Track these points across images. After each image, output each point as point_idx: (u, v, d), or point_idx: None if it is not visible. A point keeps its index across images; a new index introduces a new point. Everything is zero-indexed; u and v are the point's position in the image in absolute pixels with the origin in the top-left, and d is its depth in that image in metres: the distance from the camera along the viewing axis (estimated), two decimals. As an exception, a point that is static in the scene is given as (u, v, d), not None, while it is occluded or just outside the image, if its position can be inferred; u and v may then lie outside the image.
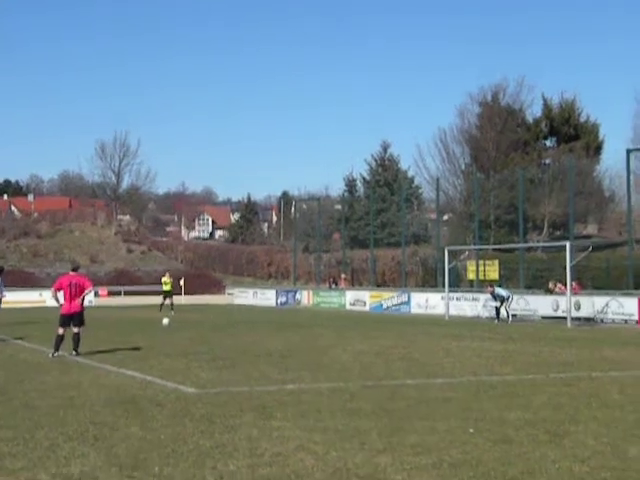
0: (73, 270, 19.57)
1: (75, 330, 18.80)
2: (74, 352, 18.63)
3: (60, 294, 19.00)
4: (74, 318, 18.85)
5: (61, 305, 19.01)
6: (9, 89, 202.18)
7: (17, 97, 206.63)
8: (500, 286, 36.62)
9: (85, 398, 12.34)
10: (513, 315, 35.43)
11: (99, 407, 11.52)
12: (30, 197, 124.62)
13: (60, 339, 18.57)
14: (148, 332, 27.11)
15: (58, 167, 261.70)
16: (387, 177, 74.31)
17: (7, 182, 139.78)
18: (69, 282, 18.84)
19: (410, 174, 73.40)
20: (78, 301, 18.81)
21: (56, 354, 18.47)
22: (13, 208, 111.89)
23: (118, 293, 58.79)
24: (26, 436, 9.46)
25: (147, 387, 13.58)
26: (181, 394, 12.77)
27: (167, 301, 41.48)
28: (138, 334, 26.11)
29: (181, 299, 53.13)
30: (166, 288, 41.99)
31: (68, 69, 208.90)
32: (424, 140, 67.77)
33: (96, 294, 55.22)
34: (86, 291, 18.96)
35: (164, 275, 43.57)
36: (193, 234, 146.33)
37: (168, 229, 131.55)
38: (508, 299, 34.31)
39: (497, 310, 34.39)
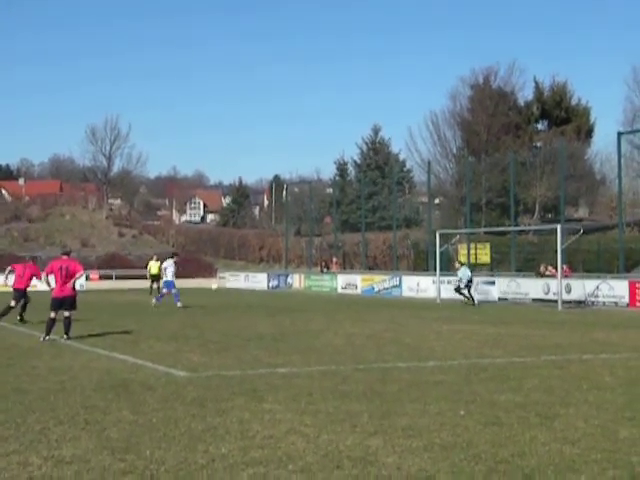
0: (64, 254, 19.51)
1: (66, 314, 18.75)
2: (65, 336, 18.59)
3: (51, 278, 18.98)
4: (65, 302, 18.78)
5: (52, 289, 18.98)
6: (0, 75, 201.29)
7: (7, 81, 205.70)
8: (463, 265, 35.64)
9: (76, 382, 12.33)
10: (504, 299, 35.53)
11: (90, 391, 11.51)
12: (21, 181, 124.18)
13: (52, 323, 18.54)
14: (139, 316, 27.09)
15: (49, 151, 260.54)
16: (378, 160, 74.28)
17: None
18: (60, 266, 18.76)
19: (401, 157, 73.51)
20: (69, 285, 18.74)
21: (47, 338, 18.44)
22: (4, 192, 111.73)
23: (109, 277, 58.70)
24: (17, 420, 9.46)
25: (138, 371, 13.58)
26: (172, 378, 12.77)
27: (155, 285, 41.46)
28: (129, 318, 26.09)
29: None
30: (153, 272, 41.92)
31: (59, 54, 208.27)
32: (415, 123, 68.33)
33: (87, 278, 55.15)
34: (77, 275, 18.90)
35: (152, 259, 43.41)
36: (184, 218, 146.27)
37: (159, 213, 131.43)
38: (469, 283, 33.83)
39: (459, 290, 34.04)
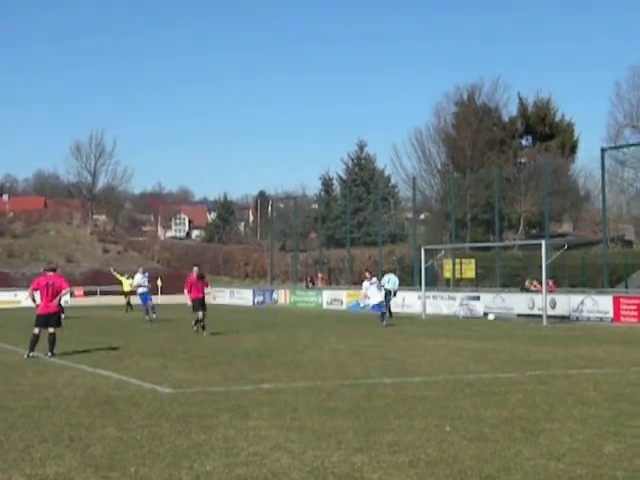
0: (50, 270, 19.32)
1: (51, 330, 18.62)
2: (49, 353, 18.45)
3: (37, 294, 18.85)
4: (50, 319, 18.66)
5: (37, 305, 18.86)
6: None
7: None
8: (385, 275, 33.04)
9: (61, 399, 12.26)
10: (486, 314, 35.54)
11: (75, 408, 11.45)
12: (5, 197, 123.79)
13: (35, 339, 18.42)
14: (124, 332, 26.99)
15: (33, 167, 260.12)
16: (363, 176, 74.43)
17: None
18: (46, 282, 18.64)
19: (386, 173, 73.73)
20: (55, 302, 18.65)
21: (31, 354, 18.33)
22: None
23: (94, 293, 58.51)
24: (1, 438, 9.39)
25: (123, 387, 13.52)
26: (157, 394, 12.72)
27: (128, 299, 41.63)
28: (114, 334, 25.98)
29: (158, 299, 52.90)
30: (126, 289, 42.07)
31: (44, 69, 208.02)
32: (400, 139, 68.60)
33: (72, 294, 54.85)
34: (63, 292, 18.81)
35: (123, 276, 43.57)
36: (170, 234, 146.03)
37: (144, 229, 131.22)
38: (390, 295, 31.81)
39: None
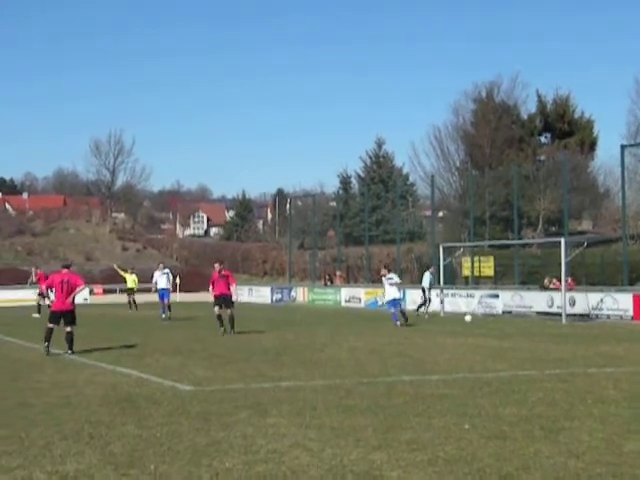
0: (65, 267, 19.38)
1: (68, 329, 18.66)
2: (69, 351, 18.52)
3: (52, 291, 18.92)
4: (65, 317, 18.68)
5: (52, 302, 18.93)
6: (3, 87, 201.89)
7: (11, 95, 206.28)
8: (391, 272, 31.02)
9: (81, 397, 12.34)
10: (508, 312, 35.47)
11: (95, 405, 11.52)
12: (25, 195, 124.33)
13: (50, 331, 18.50)
14: (143, 330, 27.09)
15: (52, 165, 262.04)
16: (382, 174, 74.31)
17: (1, 180, 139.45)
18: (60, 279, 18.66)
19: (405, 171, 73.54)
20: (70, 299, 18.66)
21: (46, 348, 18.36)
22: (7, 206, 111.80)
23: (113, 291, 58.71)
24: (22, 435, 9.46)
25: (143, 385, 13.58)
26: (177, 392, 12.77)
27: (131, 298, 41.67)
28: (133, 332, 26.08)
29: (177, 297, 53.08)
30: (130, 285, 42.11)
31: (63, 67, 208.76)
32: (418, 137, 68.31)
33: (91, 292, 55.23)
34: (78, 289, 18.81)
35: (127, 272, 43.56)
36: (188, 232, 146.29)
37: (163, 227, 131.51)
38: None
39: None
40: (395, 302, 28.89)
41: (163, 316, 31.80)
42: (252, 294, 56.68)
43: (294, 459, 8.13)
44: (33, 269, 41.70)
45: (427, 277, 35.04)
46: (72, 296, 18.70)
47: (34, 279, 39.39)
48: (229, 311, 24.89)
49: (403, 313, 28.97)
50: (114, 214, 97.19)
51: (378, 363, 16.74)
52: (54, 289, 18.79)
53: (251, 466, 7.87)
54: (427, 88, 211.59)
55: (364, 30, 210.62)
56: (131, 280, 42.16)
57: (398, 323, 28.09)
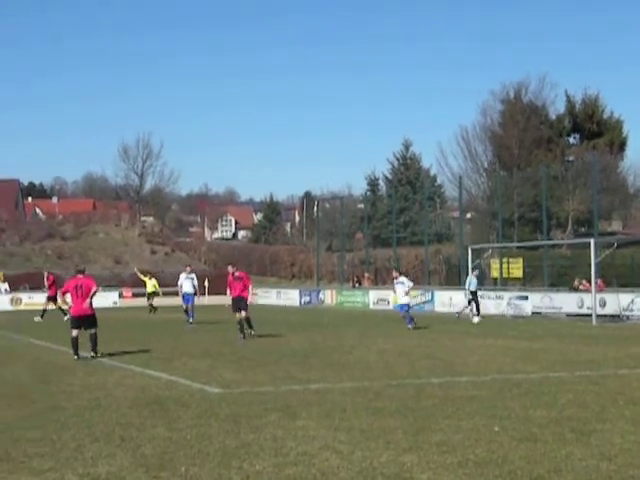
0: (79, 272, 19.32)
1: (92, 331, 18.67)
2: (92, 353, 18.56)
3: (68, 297, 18.94)
4: (85, 321, 18.69)
5: (70, 308, 18.99)
6: (33, 91, 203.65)
7: (41, 100, 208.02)
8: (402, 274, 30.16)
9: (111, 399, 12.41)
10: (537, 313, 35.28)
11: (125, 408, 11.58)
12: (54, 199, 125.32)
13: (75, 341, 18.49)
14: (172, 333, 27.20)
15: (82, 169, 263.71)
16: (409, 176, 74.22)
17: (31, 185, 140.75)
18: (75, 285, 18.66)
19: (432, 172, 73.42)
20: (87, 303, 18.60)
21: (77, 357, 18.38)
22: (38, 210, 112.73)
23: (142, 294, 58.93)
24: (53, 437, 9.53)
25: (172, 388, 13.64)
26: (206, 394, 12.81)
27: (151, 301, 41.78)
28: (162, 335, 26.20)
29: (204, 299, 53.22)
30: (149, 290, 42.21)
31: (92, 71, 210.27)
32: (446, 138, 68.13)
33: (120, 295, 55.53)
34: (92, 292, 18.68)
35: (147, 276, 43.67)
36: (216, 235, 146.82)
37: (191, 230, 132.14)
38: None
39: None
40: (402, 307, 28.48)
41: (190, 320, 31.74)
42: (280, 297, 56.73)
43: (324, 461, 8.13)
44: (45, 272, 41.72)
45: (473, 280, 34.81)
46: (88, 300, 18.65)
47: (45, 283, 39.50)
48: (243, 313, 24.16)
49: (411, 318, 28.23)
50: (143, 218, 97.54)
51: (407, 365, 16.71)
52: (70, 295, 18.75)
53: (281, 468, 7.88)
54: (455, 89, 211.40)
55: (392, 31, 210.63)
56: (151, 285, 42.32)
57: (410, 326, 27.68)
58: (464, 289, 35.39)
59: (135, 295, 58.13)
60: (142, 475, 7.73)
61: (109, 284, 59.92)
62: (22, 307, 49.55)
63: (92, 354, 18.54)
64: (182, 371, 15.96)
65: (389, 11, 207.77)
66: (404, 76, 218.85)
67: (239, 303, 24.30)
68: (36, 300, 48.37)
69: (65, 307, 19.37)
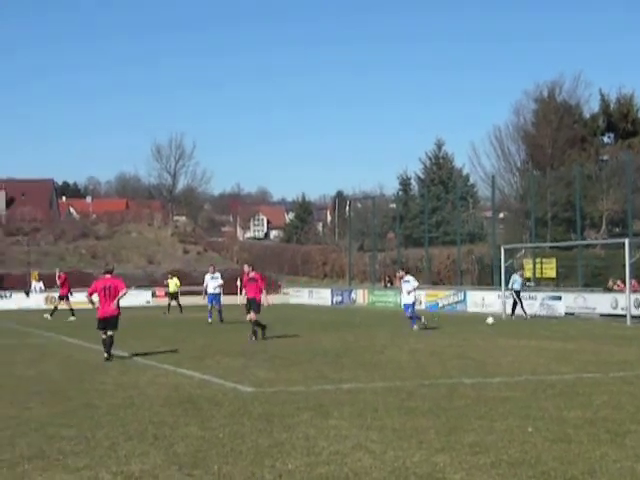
0: (107, 273, 19.00)
1: (109, 333, 18.34)
2: (106, 355, 18.12)
3: (95, 297, 18.63)
4: (109, 321, 18.42)
5: (97, 309, 18.68)
6: (66, 92, 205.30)
7: (74, 100, 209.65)
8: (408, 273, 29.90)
9: (144, 398, 12.47)
10: (571, 314, 35.04)
11: (158, 406, 11.64)
12: (88, 199, 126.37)
13: (104, 342, 18.34)
14: (204, 332, 27.29)
15: (115, 169, 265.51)
16: (442, 175, 74.08)
17: (66, 184, 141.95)
18: (103, 285, 18.44)
19: (465, 172, 73.25)
20: (113, 304, 18.38)
21: (106, 355, 18.14)
22: (72, 210, 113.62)
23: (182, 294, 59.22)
24: (87, 435, 9.60)
25: (205, 386, 13.69)
26: (239, 393, 12.85)
27: (173, 302, 41.82)
28: (194, 334, 26.29)
29: (237, 299, 53.34)
30: (171, 289, 42.32)
31: (126, 70, 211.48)
32: (479, 138, 67.86)
33: (154, 294, 55.82)
34: (120, 293, 18.47)
35: (169, 276, 43.76)
36: (248, 234, 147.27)
37: (223, 229, 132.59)
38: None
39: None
40: (407, 306, 27.91)
41: (210, 320, 31.72)
42: (312, 296, 56.79)
43: (356, 461, 8.12)
44: (57, 271, 41.79)
45: (517, 280, 34.67)
46: (116, 301, 18.43)
47: (57, 281, 39.69)
48: (252, 315, 23.56)
49: (418, 317, 27.63)
50: (175, 217, 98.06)
51: (439, 365, 16.66)
52: (97, 295, 18.54)
53: (313, 468, 7.88)
54: (487, 89, 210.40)
55: (424, 30, 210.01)
56: (173, 284, 42.47)
57: (415, 327, 27.00)
58: (508, 289, 35.24)
59: (167, 294, 58.41)
60: (175, 473, 7.77)
61: (142, 283, 60.31)
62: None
63: (105, 355, 18.12)
64: (215, 370, 16.01)
65: (420, 10, 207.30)
66: (437, 76, 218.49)
67: (251, 304, 23.81)
68: (69, 299, 48.70)
69: (92, 306, 19.07)
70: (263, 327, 23.74)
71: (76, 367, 17.01)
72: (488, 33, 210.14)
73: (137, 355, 18.94)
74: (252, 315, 23.54)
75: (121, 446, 8.99)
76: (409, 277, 28.20)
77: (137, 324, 31.37)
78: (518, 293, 34.33)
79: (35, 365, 17.62)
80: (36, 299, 52.11)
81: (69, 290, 38.10)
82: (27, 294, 52.48)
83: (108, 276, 18.80)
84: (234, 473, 7.73)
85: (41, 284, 58.46)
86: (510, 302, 35.05)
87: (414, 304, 28.06)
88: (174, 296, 42.14)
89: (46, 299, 52.63)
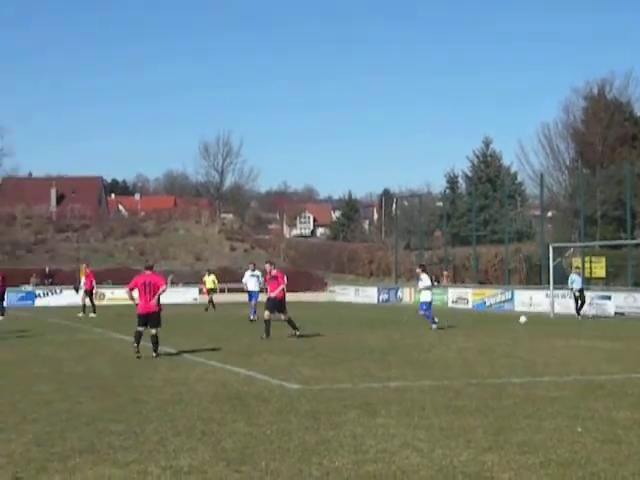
0: (148, 269, 18.94)
1: (153, 332, 18.35)
2: (154, 354, 18.22)
3: (135, 293, 18.56)
4: (150, 318, 18.39)
5: (137, 305, 18.68)
6: (116, 90, 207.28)
7: (123, 98, 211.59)
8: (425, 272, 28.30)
9: (192, 394, 12.56)
10: (621, 313, 34.65)
11: (206, 403, 11.72)
12: (136, 196, 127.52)
13: (139, 335, 18.23)
14: (249, 329, 27.38)
15: (163, 167, 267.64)
16: (489, 173, 73.57)
17: (115, 182, 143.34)
18: (143, 281, 18.37)
19: (513, 170, 72.65)
20: (154, 301, 18.31)
21: (136, 345, 18.07)
22: (120, 207, 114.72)
23: (222, 290, 59.52)
24: (136, 430, 9.70)
25: (252, 383, 13.75)
26: (285, 390, 12.89)
27: (210, 297, 41.99)
28: (240, 331, 26.41)
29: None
30: (208, 286, 42.49)
31: (174, 68, 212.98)
32: (527, 136, 67.30)
33: (201, 292, 56.11)
34: (160, 289, 18.38)
35: (206, 274, 43.90)
36: (295, 232, 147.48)
37: (270, 227, 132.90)
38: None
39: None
40: (422, 305, 27.50)
41: (251, 317, 31.76)
42: (359, 294, 56.75)
43: (404, 459, 8.11)
44: (83, 266, 41.91)
45: (576, 279, 34.41)
46: (156, 297, 18.35)
47: (82, 278, 39.94)
48: (267, 313, 23.26)
49: (432, 319, 27.06)
50: (223, 215, 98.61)
51: (487, 364, 16.56)
52: (137, 291, 18.50)
53: (361, 465, 7.89)
54: (535, 86, 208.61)
55: (472, 30, 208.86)
56: (210, 281, 42.66)
57: (434, 326, 26.60)
58: (569, 289, 34.94)
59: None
60: (223, 469, 7.82)
61: (189, 280, 60.73)
62: (105, 302, 50.44)
63: (154, 354, 18.19)
64: (261, 367, 16.07)
65: (470, 10, 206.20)
66: (485, 74, 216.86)
67: (268, 302, 23.57)
68: (117, 295, 49.28)
69: (132, 302, 18.98)
70: (294, 325, 23.70)
71: (125, 363, 17.18)
72: (537, 32, 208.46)
73: (185, 352, 19.08)
74: (266, 313, 23.31)
75: (169, 441, 9.08)
76: (423, 275, 27.84)
77: (184, 321, 31.62)
78: (580, 292, 34.06)
79: (85, 361, 17.84)
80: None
81: (93, 287, 38.51)
82: (76, 290, 52.94)
83: (148, 272, 18.72)
84: (282, 470, 7.76)
85: (91, 280, 59.05)
86: (572, 302, 34.75)
87: (430, 303, 27.63)
88: (211, 292, 42.39)
89: (95, 295, 53.23)
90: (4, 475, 7.72)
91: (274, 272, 24.08)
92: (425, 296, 27.47)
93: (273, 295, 23.59)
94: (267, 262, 25.82)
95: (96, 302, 39.47)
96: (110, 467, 7.94)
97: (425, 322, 27.22)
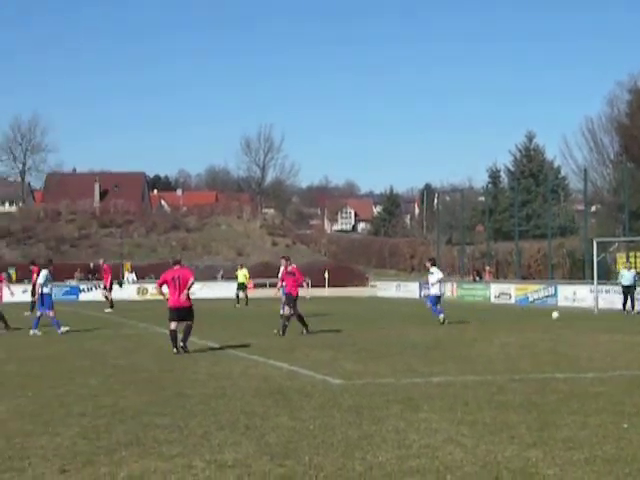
0: (176, 263, 18.92)
1: (188, 322, 18.33)
2: (182, 344, 18.07)
3: (165, 288, 18.50)
4: (181, 313, 18.32)
5: (167, 299, 18.68)
6: (158, 86, 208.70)
7: (165, 94, 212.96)
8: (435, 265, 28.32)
9: (235, 388, 12.62)
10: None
11: (249, 397, 11.77)
12: (179, 192, 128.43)
13: (174, 334, 18.18)
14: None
15: (205, 162, 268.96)
16: (532, 168, 73.09)
17: (157, 177, 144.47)
18: (172, 276, 18.32)
19: (556, 164, 72.08)
20: (184, 295, 18.24)
21: (175, 349, 17.98)
22: (163, 203, 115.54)
23: (263, 285, 59.71)
24: (180, 424, 9.77)
25: (295, 378, 13.78)
26: (328, 385, 12.91)
27: (242, 294, 41.88)
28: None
29: (324, 291, 53.66)
30: (240, 280, 42.40)
31: (214, 64, 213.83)
32: (570, 130, 66.81)
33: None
34: (189, 283, 18.34)
35: (238, 268, 43.81)
36: (336, 227, 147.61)
37: (311, 222, 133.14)
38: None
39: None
40: (431, 298, 27.38)
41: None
42: (400, 289, 56.64)
43: (447, 455, 8.10)
44: (101, 261, 42.00)
45: (628, 274, 34.11)
46: (186, 292, 18.30)
47: (102, 272, 40.07)
48: (286, 310, 23.12)
49: (441, 312, 26.78)
50: (264, 210, 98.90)
51: (530, 359, 16.45)
52: (167, 286, 18.42)
53: (404, 460, 7.88)
54: (580, 80, 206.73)
55: (515, 25, 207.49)
56: (242, 275, 42.65)
57: (441, 316, 26.41)
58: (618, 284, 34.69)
59: (257, 286, 58.95)
60: (267, 463, 7.86)
61: (231, 276, 61.00)
62: (148, 297, 50.89)
63: (181, 344, 18.06)
64: (304, 362, 16.10)
65: (511, 6, 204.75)
66: (529, 70, 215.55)
67: (288, 300, 23.34)
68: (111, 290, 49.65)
69: (163, 297, 18.97)
70: (304, 323, 23.40)
71: (169, 357, 17.29)
72: (581, 28, 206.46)
73: (227, 347, 19.17)
74: (286, 310, 23.15)
75: (214, 435, 9.13)
76: (434, 269, 27.61)
77: (225, 316, 31.77)
78: (629, 288, 33.72)
79: (129, 355, 18.00)
80: (129, 290, 53.15)
81: (111, 282, 38.71)
82: (120, 285, 53.49)
83: (177, 267, 18.67)
84: (325, 464, 7.78)
85: (133, 275, 59.70)
86: (619, 298, 34.43)
87: (439, 297, 27.51)
88: (242, 287, 42.32)
89: (138, 290, 53.76)
90: (51, 468, 7.82)
91: (290, 268, 23.84)
92: (435, 289, 27.35)
93: (287, 292, 23.45)
94: (282, 257, 25.53)
95: (140, 297, 39.72)
96: (155, 460, 8.01)
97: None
